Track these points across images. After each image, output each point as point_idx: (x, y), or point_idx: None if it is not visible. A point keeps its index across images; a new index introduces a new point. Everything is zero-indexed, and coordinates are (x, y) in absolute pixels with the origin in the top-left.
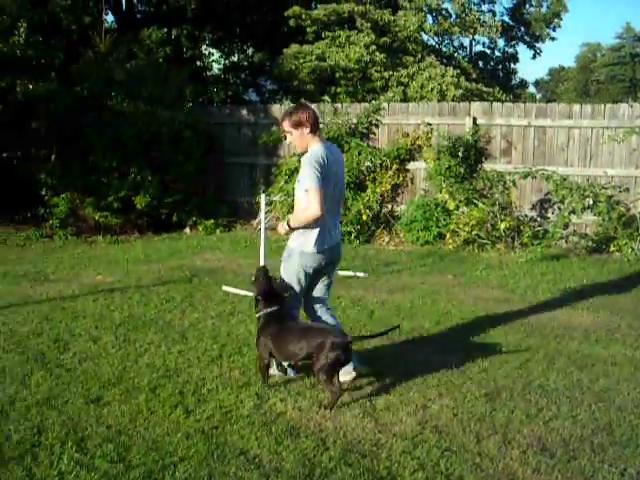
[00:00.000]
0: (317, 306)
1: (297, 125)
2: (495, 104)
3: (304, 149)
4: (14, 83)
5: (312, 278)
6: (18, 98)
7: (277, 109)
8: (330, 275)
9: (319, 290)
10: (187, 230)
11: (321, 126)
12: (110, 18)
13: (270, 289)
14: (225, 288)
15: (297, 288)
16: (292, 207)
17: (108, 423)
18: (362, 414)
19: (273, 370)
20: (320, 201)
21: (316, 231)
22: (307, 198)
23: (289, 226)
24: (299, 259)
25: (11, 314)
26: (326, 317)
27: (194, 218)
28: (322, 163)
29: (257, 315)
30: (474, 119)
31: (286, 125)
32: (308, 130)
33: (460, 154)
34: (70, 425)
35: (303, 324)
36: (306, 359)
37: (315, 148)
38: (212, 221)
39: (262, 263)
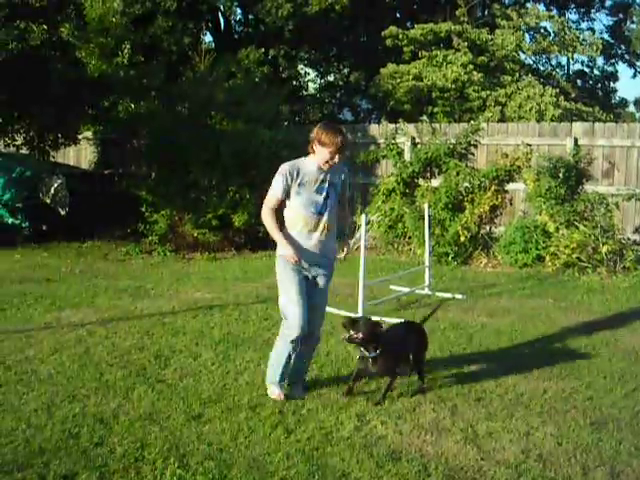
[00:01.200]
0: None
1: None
2: (597, 124)
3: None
4: (117, 102)
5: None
6: (120, 117)
7: (375, 129)
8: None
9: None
10: None
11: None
12: (208, 38)
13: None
14: None
15: (295, 305)
16: (389, 227)
17: (209, 440)
18: (464, 440)
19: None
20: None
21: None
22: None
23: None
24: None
25: (113, 328)
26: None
27: None
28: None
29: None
30: (575, 139)
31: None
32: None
33: (560, 175)
34: (172, 441)
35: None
36: None
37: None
38: None
39: (361, 283)
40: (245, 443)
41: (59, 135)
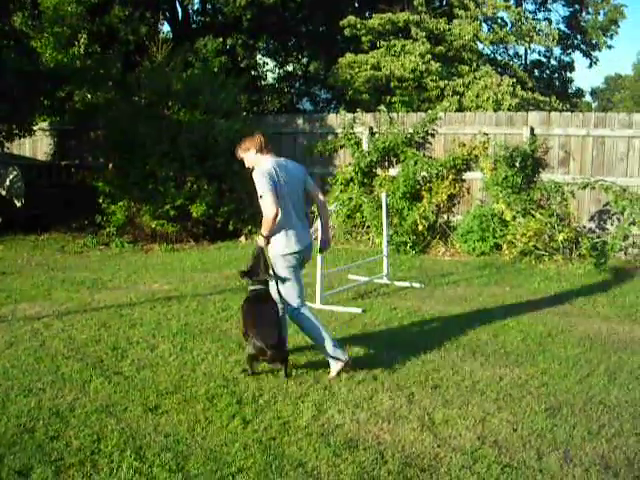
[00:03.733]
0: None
1: (246, 150)
2: (553, 114)
3: (256, 166)
4: (73, 93)
5: (298, 276)
6: (77, 107)
7: (333, 118)
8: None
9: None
10: (242, 239)
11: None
12: (166, 28)
13: (257, 272)
14: None
15: (295, 287)
16: (347, 216)
17: (166, 432)
18: (420, 427)
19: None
20: (274, 202)
21: (285, 233)
22: (263, 204)
23: (263, 236)
24: (281, 262)
25: (70, 321)
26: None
27: (250, 227)
28: (270, 173)
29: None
30: (531, 129)
31: (239, 153)
32: (254, 152)
33: (517, 164)
34: (129, 433)
35: (267, 314)
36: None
37: (262, 163)
38: None
39: (319, 271)
40: (202, 434)
41: (13, 126)
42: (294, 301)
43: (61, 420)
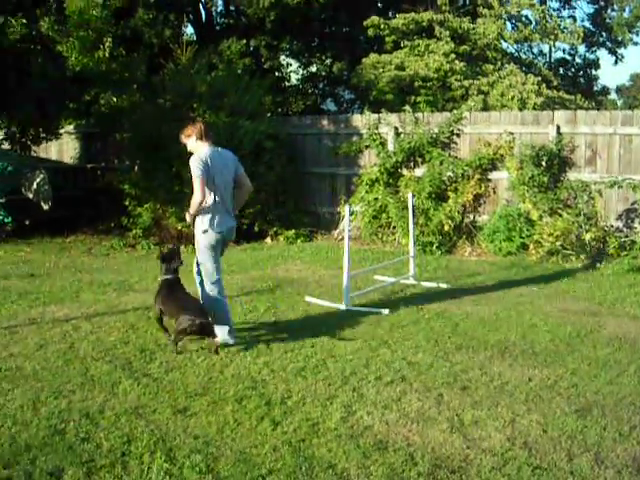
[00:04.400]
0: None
1: (188, 136)
2: (579, 112)
3: (195, 152)
4: (98, 96)
5: (217, 255)
6: (102, 110)
7: (358, 119)
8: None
9: None
10: (268, 240)
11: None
12: (190, 30)
13: (170, 262)
14: (308, 299)
15: (210, 264)
16: (373, 217)
17: (196, 434)
18: (450, 429)
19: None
20: (202, 188)
21: (210, 215)
22: (194, 188)
23: (189, 214)
24: (202, 239)
25: (98, 323)
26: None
27: (275, 228)
28: (204, 161)
29: (159, 279)
30: (557, 127)
31: (182, 139)
32: (195, 139)
33: (543, 163)
34: (159, 435)
35: (184, 296)
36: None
37: (200, 150)
38: (293, 231)
39: (346, 272)
40: (232, 436)
41: (40, 130)
42: (209, 276)
43: (91, 422)
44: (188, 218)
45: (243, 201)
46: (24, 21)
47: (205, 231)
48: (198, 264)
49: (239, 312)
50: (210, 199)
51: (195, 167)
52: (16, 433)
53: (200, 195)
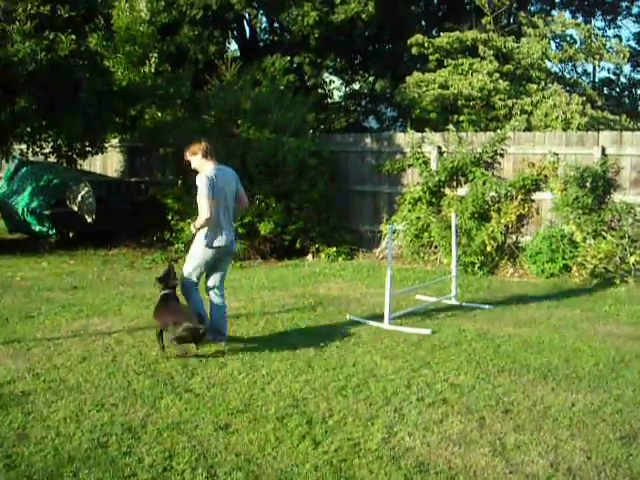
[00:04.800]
0: (212, 292)
1: (193, 154)
2: (625, 133)
3: (200, 170)
4: (143, 111)
5: (209, 268)
6: (147, 125)
7: (401, 137)
8: (224, 268)
9: (214, 279)
10: (309, 257)
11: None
12: (234, 46)
13: (168, 280)
14: (350, 317)
15: (196, 273)
16: (415, 236)
17: (237, 450)
18: (492, 452)
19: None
20: (208, 207)
21: (212, 231)
22: (201, 205)
23: (195, 227)
24: (198, 253)
25: (140, 337)
26: (217, 300)
27: (317, 245)
28: (211, 178)
29: (160, 293)
30: (603, 149)
31: (187, 156)
32: (200, 157)
33: (588, 185)
34: (200, 451)
35: (177, 306)
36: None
37: (205, 169)
38: (334, 249)
39: (387, 292)
40: (273, 454)
41: (87, 143)
42: (193, 278)
43: (133, 436)
44: (193, 230)
45: (239, 216)
46: (73, 37)
47: (206, 245)
48: (207, 282)
49: (280, 329)
50: (214, 215)
51: (202, 185)
52: (59, 445)
53: (207, 213)
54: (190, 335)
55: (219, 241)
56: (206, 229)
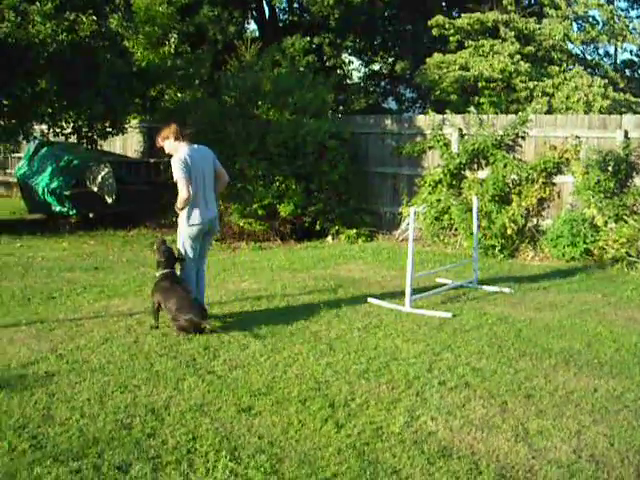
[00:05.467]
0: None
1: (165, 138)
2: None
3: (174, 152)
4: (163, 91)
5: (200, 244)
6: (166, 106)
7: (422, 119)
8: (206, 244)
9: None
10: (329, 239)
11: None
12: (253, 27)
13: (167, 256)
14: (371, 300)
15: (189, 251)
16: (435, 218)
17: (260, 433)
18: (515, 438)
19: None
20: (186, 187)
21: (191, 209)
22: (179, 187)
23: (177, 209)
24: (184, 231)
25: (161, 318)
26: (201, 282)
27: (337, 227)
28: (184, 160)
29: (156, 274)
30: (625, 132)
31: (159, 142)
32: (172, 140)
33: (610, 168)
34: (223, 433)
35: (182, 292)
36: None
37: (179, 150)
38: (354, 230)
39: (409, 275)
40: (296, 437)
41: (107, 124)
42: (190, 255)
43: (157, 418)
44: (178, 211)
45: (220, 191)
46: (94, 18)
47: (188, 224)
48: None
49: (301, 311)
50: (193, 195)
51: (177, 168)
52: (84, 426)
53: (185, 192)
54: (191, 327)
55: (201, 217)
56: (186, 210)
